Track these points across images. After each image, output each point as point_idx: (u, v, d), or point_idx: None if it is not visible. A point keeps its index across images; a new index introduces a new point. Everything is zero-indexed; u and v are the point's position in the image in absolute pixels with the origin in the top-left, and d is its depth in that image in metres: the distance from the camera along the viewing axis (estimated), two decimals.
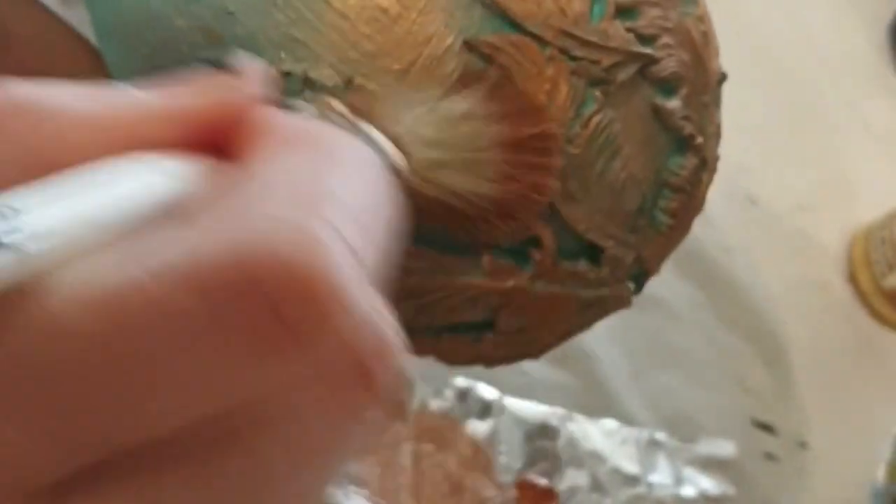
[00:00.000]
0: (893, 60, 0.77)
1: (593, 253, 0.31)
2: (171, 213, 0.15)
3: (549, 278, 0.29)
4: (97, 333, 0.13)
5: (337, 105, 0.22)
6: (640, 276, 0.33)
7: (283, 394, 0.15)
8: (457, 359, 0.31)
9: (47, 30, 0.27)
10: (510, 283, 0.29)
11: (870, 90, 0.75)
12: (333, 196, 0.15)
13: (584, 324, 0.33)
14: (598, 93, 0.29)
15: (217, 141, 0.17)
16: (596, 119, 0.29)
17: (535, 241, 0.29)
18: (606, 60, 0.29)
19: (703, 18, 0.33)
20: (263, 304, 0.14)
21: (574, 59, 0.29)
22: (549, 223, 0.29)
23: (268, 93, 0.18)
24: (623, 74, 0.30)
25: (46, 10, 0.27)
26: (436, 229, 0.27)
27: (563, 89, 0.29)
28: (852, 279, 0.65)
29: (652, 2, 0.31)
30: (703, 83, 0.32)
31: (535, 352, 0.33)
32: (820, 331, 0.62)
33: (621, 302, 0.33)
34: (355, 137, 0.17)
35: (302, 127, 0.17)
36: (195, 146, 0.17)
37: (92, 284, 0.13)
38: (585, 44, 0.29)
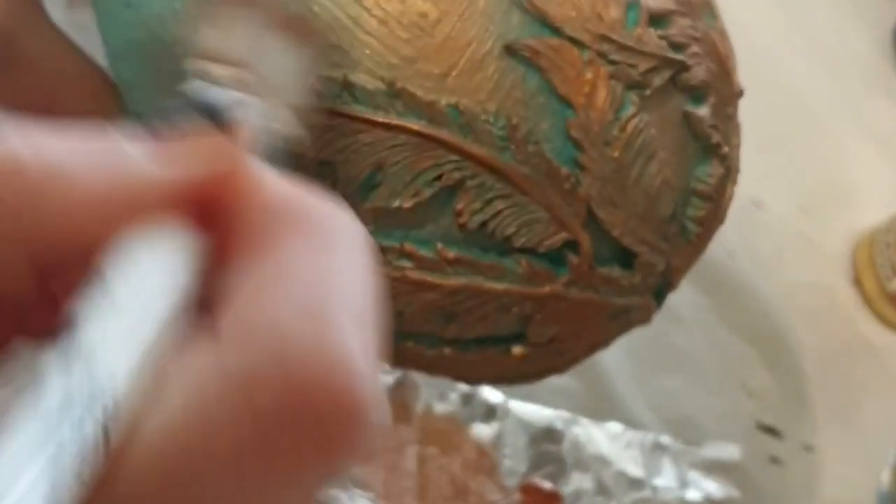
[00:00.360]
0: None
1: (626, 259, 0.31)
2: (192, 307, 0.16)
3: (584, 283, 0.29)
4: (176, 484, 0.14)
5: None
6: (662, 290, 0.33)
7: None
8: (481, 376, 0.31)
9: (58, 48, 0.27)
10: (546, 287, 0.29)
11: (873, 93, 0.75)
12: (343, 296, 0.16)
13: (610, 337, 0.33)
14: (634, 96, 0.30)
15: (203, 201, 0.17)
16: (633, 122, 0.30)
17: (573, 246, 0.29)
18: (643, 65, 0.30)
19: (724, 32, 0.34)
20: (313, 429, 0.15)
21: (612, 63, 0.29)
22: (587, 227, 0.29)
23: (254, 149, 0.18)
24: (658, 80, 0.30)
25: (58, 29, 0.27)
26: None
27: (602, 92, 0.29)
28: (857, 282, 0.65)
29: (681, 11, 0.31)
30: (729, 94, 0.33)
31: (561, 365, 0.33)
32: (824, 334, 0.62)
33: (645, 315, 0.33)
34: (329, 203, 0.17)
35: (291, 199, 0.17)
36: (184, 209, 0.17)
37: (163, 438, 0.14)
38: (622, 48, 0.29)
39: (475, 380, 0.31)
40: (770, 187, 0.65)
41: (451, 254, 0.27)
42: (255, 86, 0.24)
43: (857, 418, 0.60)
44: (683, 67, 0.31)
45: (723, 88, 0.32)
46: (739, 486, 0.52)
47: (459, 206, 0.28)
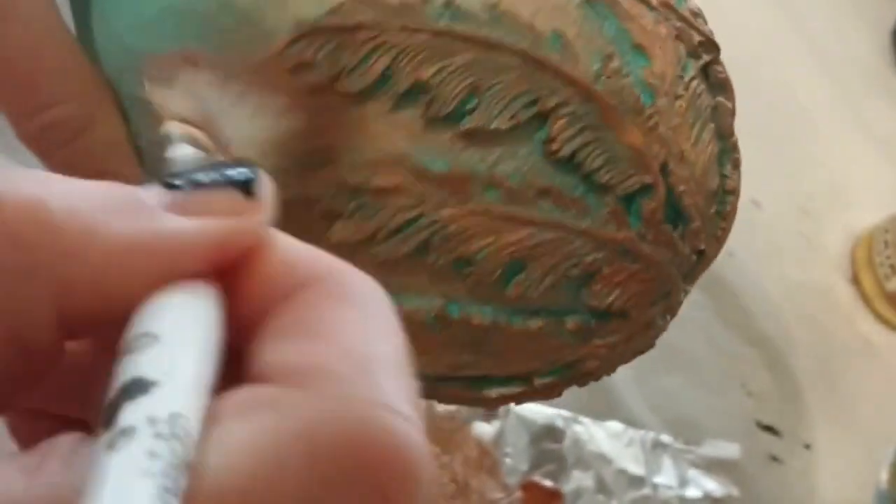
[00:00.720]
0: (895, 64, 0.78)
1: (680, 222, 0.30)
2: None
3: (653, 237, 0.29)
4: None
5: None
6: (690, 276, 0.32)
7: None
8: (528, 365, 0.31)
9: (72, 62, 0.27)
10: (621, 233, 0.28)
11: (872, 94, 0.75)
12: (384, 351, 0.16)
13: (647, 335, 0.33)
14: (692, 60, 0.31)
15: (228, 260, 0.17)
16: (693, 84, 0.30)
17: (648, 191, 0.29)
18: (696, 37, 0.31)
19: None
20: (371, 486, 0.15)
21: (674, 26, 0.30)
22: (662, 173, 0.29)
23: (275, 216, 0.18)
24: (706, 56, 0.31)
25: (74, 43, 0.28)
26: None
27: (671, 47, 0.30)
28: (855, 282, 0.65)
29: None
30: (735, 104, 0.33)
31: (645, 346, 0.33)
32: (823, 333, 0.62)
33: (672, 306, 0.33)
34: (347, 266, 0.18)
35: (314, 260, 0.17)
36: (211, 266, 0.17)
37: (227, 481, 0.14)
38: (681, 17, 0.31)
39: (519, 371, 0.31)
40: (769, 187, 0.65)
41: (541, 183, 0.27)
42: (221, 143, 0.25)
43: (855, 417, 0.60)
44: (717, 59, 0.32)
45: (733, 96, 0.33)
46: (739, 485, 0.52)
47: (553, 132, 0.27)
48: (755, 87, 0.67)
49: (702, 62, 0.31)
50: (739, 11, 0.71)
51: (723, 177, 0.32)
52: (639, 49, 0.29)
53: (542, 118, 0.27)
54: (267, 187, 0.17)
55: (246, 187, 0.17)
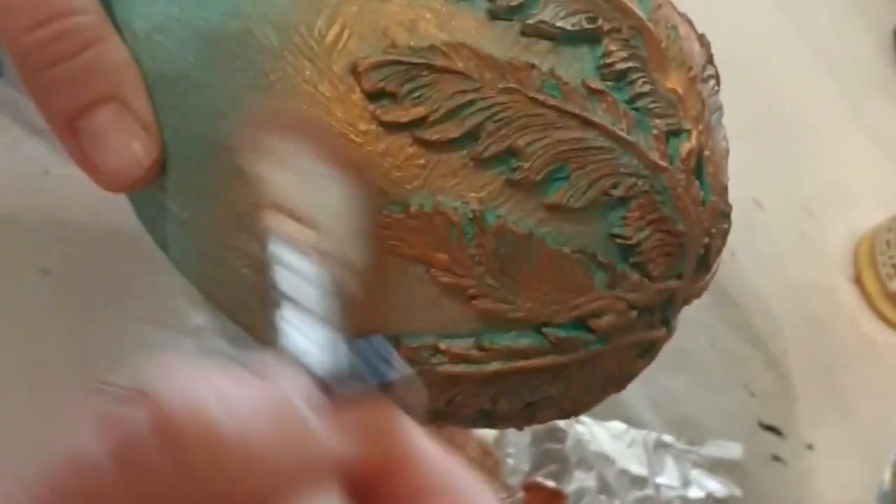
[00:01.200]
0: None
1: (703, 187, 0.31)
2: None
3: (685, 184, 0.30)
4: None
5: None
6: (701, 264, 0.33)
7: None
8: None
9: None
10: (663, 162, 0.29)
11: (874, 94, 0.75)
12: None
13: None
14: (709, 64, 0.32)
15: (366, 477, 0.18)
16: (711, 83, 0.32)
17: (686, 134, 0.30)
18: (707, 48, 0.33)
19: None
20: None
21: (697, 34, 0.32)
22: (696, 131, 0.30)
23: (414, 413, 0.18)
24: (710, 70, 0.33)
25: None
26: None
27: (696, 44, 0.32)
28: (857, 282, 0.65)
29: None
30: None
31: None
32: (825, 334, 0.62)
33: (665, 333, 0.33)
34: (477, 481, 0.19)
35: (445, 476, 0.18)
36: (348, 482, 0.18)
37: None
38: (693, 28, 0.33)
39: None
40: (771, 187, 0.65)
41: (597, 87, 0.28)
42: (326, 245, 0.24)
43: (858, 417, 0.60)
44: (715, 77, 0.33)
45: None
46: (741, 485, 0.52)
47: (608, 49, 0.29)
48: (756, 86, 0.67)
49: (709, 72, 0.32)
50: (740, 11, 0.71)
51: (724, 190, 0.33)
52: (676, 30, 0.31)
53: (598, 37, 0.28)
54: (418, 389, 0.18)
55: (394, 386, 0.18)
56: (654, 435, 0.51)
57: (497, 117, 0.27)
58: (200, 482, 0.16)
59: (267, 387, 0.17)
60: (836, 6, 0.78)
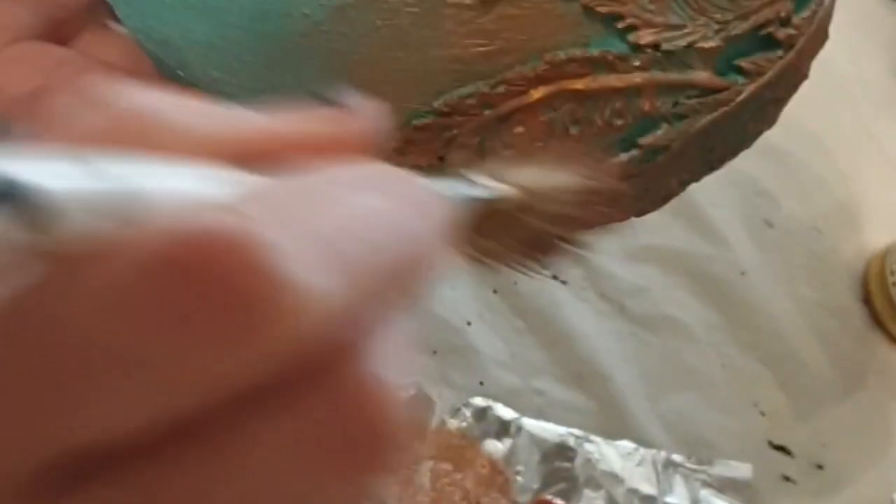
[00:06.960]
0: None
1: None
2: None
3: None
4: None
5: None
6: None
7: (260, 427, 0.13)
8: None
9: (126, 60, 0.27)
10: None
11: (885, 114, 0.75)
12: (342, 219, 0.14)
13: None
14: None
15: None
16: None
17: None
18: None
19: None
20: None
21: None
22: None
23: (380, 135, 0.16)
24: None
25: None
26: None
27: None
28: (867, 301, 0.65)
29: None
30: None
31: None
32: (836, 353, 0.62)
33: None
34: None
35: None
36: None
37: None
38: None
39: None
40: (782, 207, 0.65)
41: None
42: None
43: (868, 437, 0.60)
44: None
45: None
46: None
47: None
48: None
49: None
50: None
51: None
52: None
53: None
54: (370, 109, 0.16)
55: None
56: (663, 454, 0.51)
57: None
58: None
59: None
60: (845, 27, 0.79)
